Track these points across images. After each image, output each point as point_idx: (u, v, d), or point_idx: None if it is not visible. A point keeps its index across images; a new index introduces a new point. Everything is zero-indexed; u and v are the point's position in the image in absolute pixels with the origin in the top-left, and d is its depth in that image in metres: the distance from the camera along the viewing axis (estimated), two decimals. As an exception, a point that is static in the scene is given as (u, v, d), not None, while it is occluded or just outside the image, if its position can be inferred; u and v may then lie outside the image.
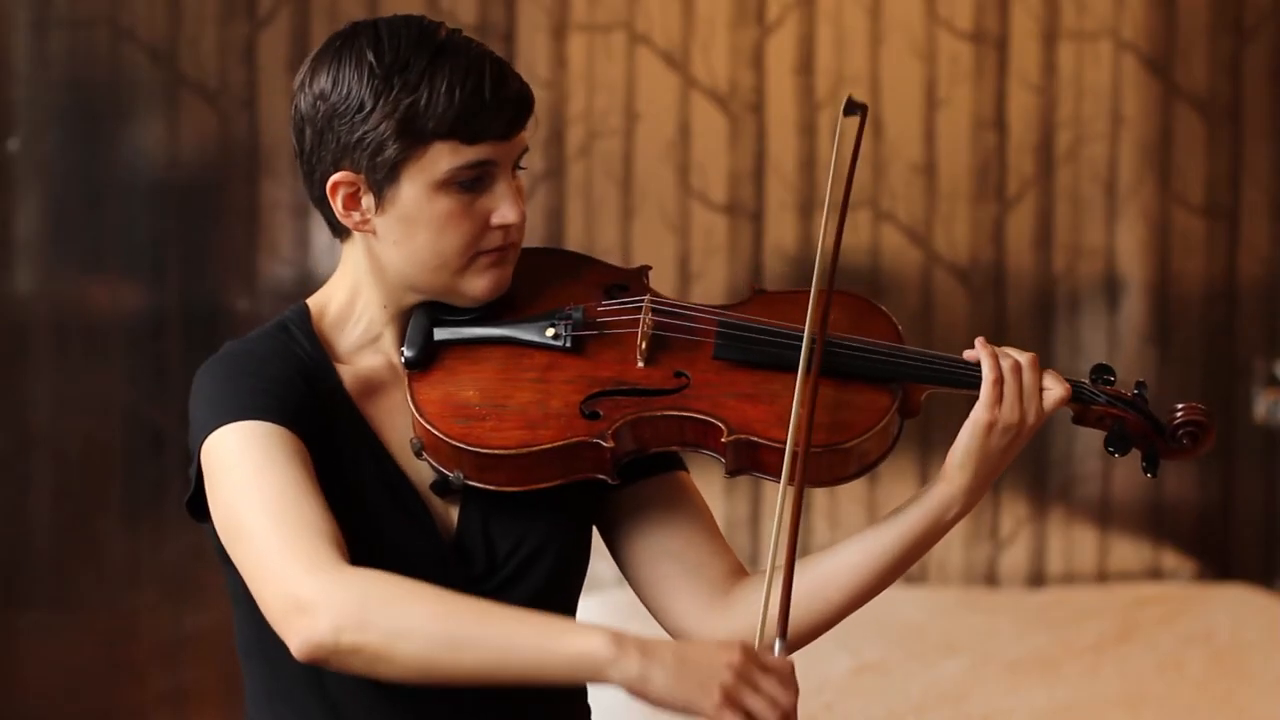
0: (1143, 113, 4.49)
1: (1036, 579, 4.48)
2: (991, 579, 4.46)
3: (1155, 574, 4.51)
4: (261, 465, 1.79)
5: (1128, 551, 4.51)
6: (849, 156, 1.98)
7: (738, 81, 4.37)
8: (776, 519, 1.79)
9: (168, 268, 4.21)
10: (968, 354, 1.96)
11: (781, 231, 4.38)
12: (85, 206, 4.19)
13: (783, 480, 1.83)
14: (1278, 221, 4.54)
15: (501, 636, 1.67)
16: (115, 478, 4.20)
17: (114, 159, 4.20)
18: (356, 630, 1.68)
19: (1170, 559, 4.52)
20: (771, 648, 1.71)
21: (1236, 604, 4.21)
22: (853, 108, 2.02)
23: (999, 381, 1.91)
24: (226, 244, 4.25)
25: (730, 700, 1.63)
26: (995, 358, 1.92)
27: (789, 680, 1.67)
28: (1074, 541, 4.49)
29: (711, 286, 4.35)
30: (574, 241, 4.28)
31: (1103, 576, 4.49)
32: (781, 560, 1.77)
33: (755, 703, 1.64)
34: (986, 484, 1.94)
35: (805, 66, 4.40)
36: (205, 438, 1.83)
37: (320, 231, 4.23)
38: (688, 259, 4.36)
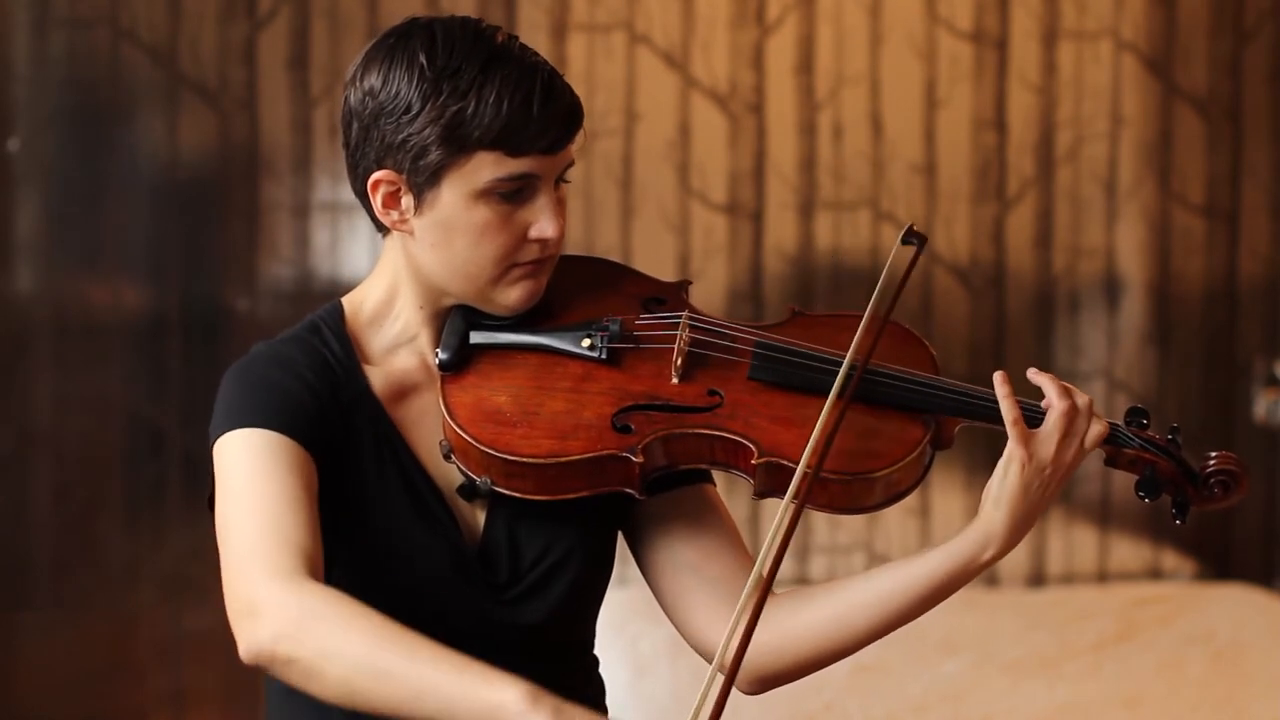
0: (1143, 113, 4.49)
1: (1036, 579, 4.48)
2: (991, 579, 4.46)
3: (1155, 574, 4.51)
4: (257, 473, 1.80)
5: (1128, 551, 4.51)
6: (898, 279, 1.94)
7: (738, 81, 4.37)
8: (767, 544, 1.76)
9: (168, 268, 4.21)
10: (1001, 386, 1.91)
11: (781, 231, 4.38)
12: (85, 206, 4.18)
13: (786, 498, 1.81)
14: (1278, 221, 4.54)
15: (423, 675, 1.65)
16: (115, 478, 4.20)
17: (114, 159, 4.20)
18: (293, 642, 1.69)
19: (1170, 559, 4.52)
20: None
21: (1236, 604, 4.21)
22: (910, 238, 1.99)
23: (1018, 421, 1.87)
24: (226, 244, 4.25)
25: None
26: (1014, 400, 1.88)
27: None
28: (1074, 541, 4.49)
29: (711, 286, 4.34)
30: (574, 242, 4.27)
31: (1103, 576, 4.49)
32: (768, 568, 1.75)
33: None
34: (1026, 524, 1.89)
35: (805, 66, 4.40)
36: (216, 440, 1.85)
37: (320, 231, 4.23)
38: (688, 259, 4.36)
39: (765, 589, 1.73)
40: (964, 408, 1.92)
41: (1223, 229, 4.52)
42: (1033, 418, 1.89)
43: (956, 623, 4.08)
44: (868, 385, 1.91)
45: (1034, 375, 1.91)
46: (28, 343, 4.18)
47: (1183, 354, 4.53)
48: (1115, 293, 4.50)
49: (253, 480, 1.79)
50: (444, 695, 1.65)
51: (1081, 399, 1.89)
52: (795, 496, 1.80)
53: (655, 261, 4.24)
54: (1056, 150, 4.47)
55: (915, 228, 2.01)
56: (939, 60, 4.43)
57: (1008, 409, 1.88)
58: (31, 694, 4.19)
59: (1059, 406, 1.88)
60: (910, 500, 4.43)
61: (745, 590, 1.74)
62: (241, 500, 1.79)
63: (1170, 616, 4.13)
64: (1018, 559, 4.46)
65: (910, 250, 1.99)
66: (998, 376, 1.90)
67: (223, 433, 1.84)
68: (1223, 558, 4.54)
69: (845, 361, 1.88)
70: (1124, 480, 4.84)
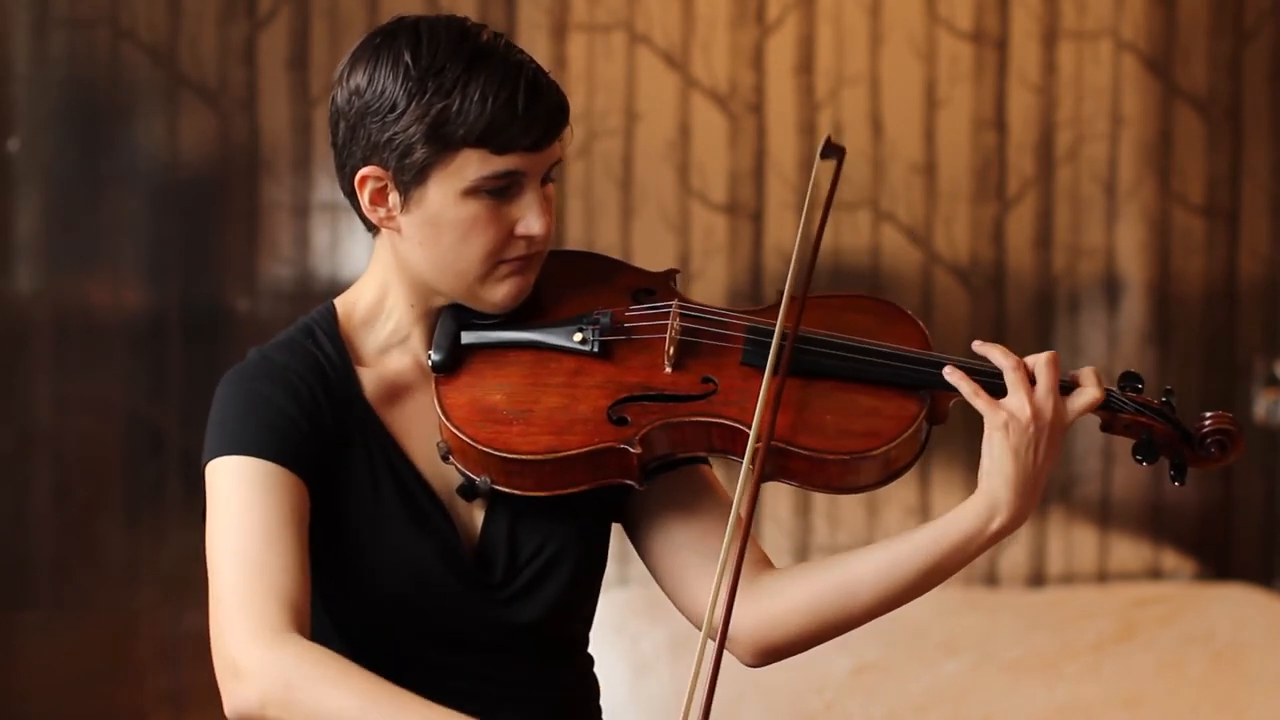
0: (1143, 113, 4.49)
1: (1036, 579, 4.48)
2: (991, 579, 4.46)
3: (1155, 574, 4.51)
4: (245, 507, 1.81)
5: (1128, 551, 4.51)
6: (823, 198, 1.97)
7: (738, 81, 4.37)
8: (733, 512, 1.80)
9: (168, 268, 4.21)
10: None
11: (781, 231, 4.39)
12: (85, 206, 4.19)
13: (742, 471, 1.84)
14: (1278, 221, 4.54)
15: None
16: (115, 478, 4.20)
17: (114, 159, 4.20)
18: (281, 706, 1.72)
19: (1170, 559, 4.52)
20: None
21: (1236, 604, 4.21)
22: (830, 150, 2.00)
23: (978, 393, 1.88)
24: (226, 244, 4.25)
25: None
26: (966, 378, 1.90)
27: None
28: (1074, 541, 4.49)
29: (711, 286, 4.35)
30: (574, 241, 4.28)
31: (1103, 576, 4.49)
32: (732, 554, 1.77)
33: None
34: (1030, 489, 1.88)
35: (805, 66, 4.40)
36: (208, 463, 1.86)
37: (320, 231, 4.23)
38: (688, 259, 4.37)
39: (743, 545, 1.74)
40: (938, 380, 1.93)
41: (1223, 229, 4.52)
42: (998, 386, 1.90)
43: (956, 623, 4.09)
44: (858, 364, 1.93)
45: (978, 347, 1.93)
46: (28, 343, 4.18)
47: (1183, 354, 4.53)
48: (1115, 293, 4.50)
49: (240, 515, 1.80)
50: None
51: (1040, 356, 1.91)
52: (752, 461, 1.83)
53: (655, 261, 4.20)
54: (1056, 150, 4.47)
55: (833, 139, 2.02)
56: (939, 60, 4.43)
57: (965, 388, 1.90)
58: (31, 694, 4.19)
59: (1006, 364, 1.89)
60: (910, 499, 4.43)
61: (716, 571, 1.76)
62: (228, 538, 1.80)
63: (1170, 616, 4.13)
64: (1017, 559, 4.46)
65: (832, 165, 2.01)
66: (946, 369, 1.92)
67: (214, 457, 1.85)
68: (1223, 558, 4.54)
69: (776, 334, 1.90)
70: (1124, 480, 4.85)
